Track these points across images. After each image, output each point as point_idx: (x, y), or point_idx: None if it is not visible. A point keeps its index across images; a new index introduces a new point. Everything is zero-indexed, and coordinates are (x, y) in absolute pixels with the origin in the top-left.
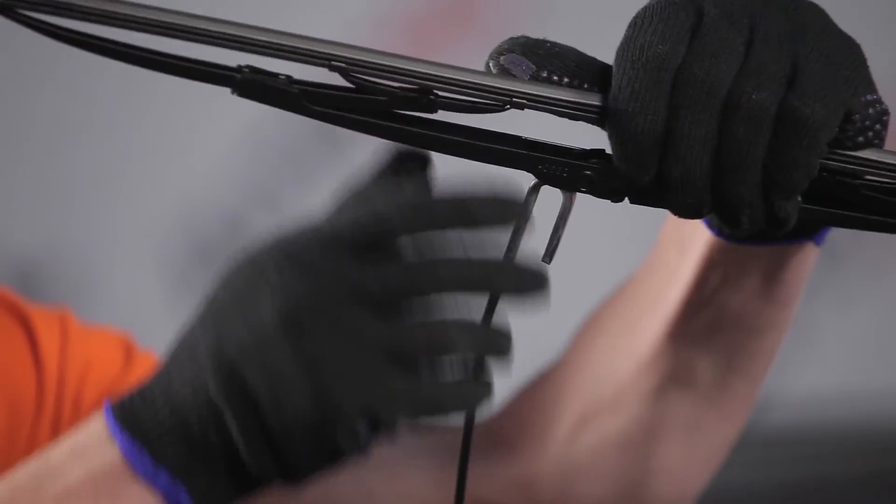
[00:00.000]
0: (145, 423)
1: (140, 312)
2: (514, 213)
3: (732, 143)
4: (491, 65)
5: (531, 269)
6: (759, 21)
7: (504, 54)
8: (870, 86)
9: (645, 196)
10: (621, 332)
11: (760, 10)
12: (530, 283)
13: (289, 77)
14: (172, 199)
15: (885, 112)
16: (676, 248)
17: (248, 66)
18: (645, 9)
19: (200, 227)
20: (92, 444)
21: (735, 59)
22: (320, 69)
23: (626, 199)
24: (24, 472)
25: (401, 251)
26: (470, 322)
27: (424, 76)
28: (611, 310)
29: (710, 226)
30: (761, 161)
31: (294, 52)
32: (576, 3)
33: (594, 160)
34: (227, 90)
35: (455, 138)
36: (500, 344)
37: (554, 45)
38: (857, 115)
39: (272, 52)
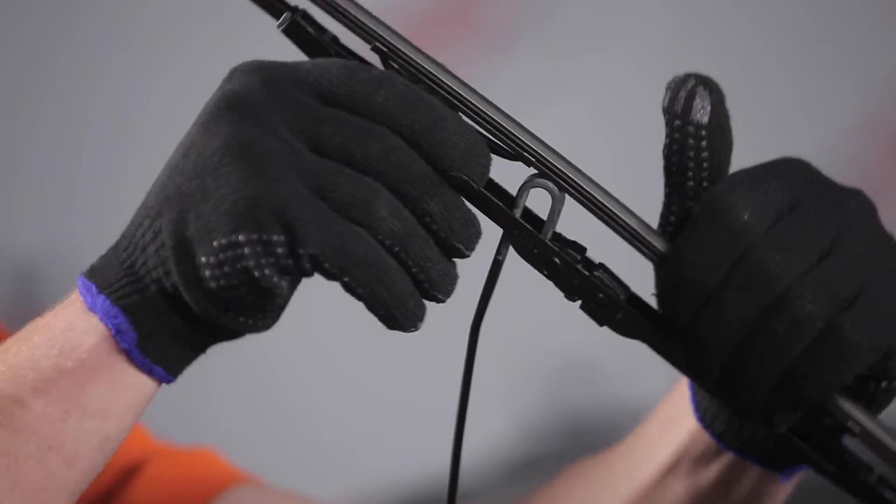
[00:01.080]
0: (105, 264)
1: None
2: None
3: (768, 336)
4: None
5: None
6: (845, 233)
7: None
8: None
9: (664, 342)
10: (591, 491)
11: (850, 222)
12: (466, 223)
13: (334, 38)
14: None
15: None
16: (661, 425)
17: (303, 10)
18: (749, 171)
19: None
20: (64, 305)
21: (807, 263)
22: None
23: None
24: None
25: (365, 118)
26: (399, 210)
27: (466, 104)
28: (593, 465)
29: (700, 415)
30: (786, 365)
31: (344, 15)
32: (576, 5)
33: (629, 301)
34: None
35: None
36: (412, 240)
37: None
38: (892, 362)
39: (326, 5)
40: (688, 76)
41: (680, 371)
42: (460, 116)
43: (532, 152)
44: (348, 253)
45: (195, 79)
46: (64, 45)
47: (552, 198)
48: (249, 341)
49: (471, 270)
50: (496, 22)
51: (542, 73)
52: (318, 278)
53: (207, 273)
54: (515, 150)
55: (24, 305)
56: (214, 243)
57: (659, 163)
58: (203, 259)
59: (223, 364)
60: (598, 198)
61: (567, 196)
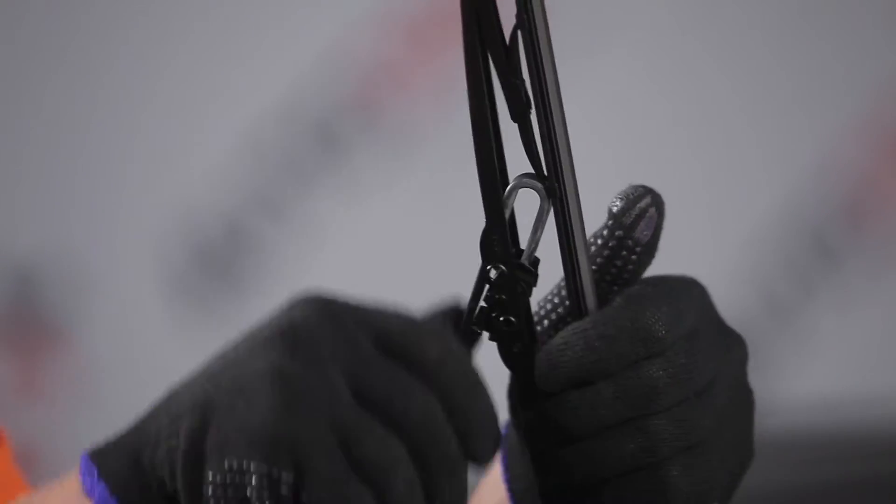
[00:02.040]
0: (104, 447)
1: (139, 316)
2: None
3: (615, 443)
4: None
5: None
6: (719, 381)
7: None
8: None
9: (527, 387)
10: None
11: (726, 371)
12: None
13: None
14: (172, 204)
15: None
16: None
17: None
18: (668, 288)
19: (200, 231)
20: (65, 481)
21: (682, 398)
22: None
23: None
24: None
25: (413, 374)
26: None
27: None
28: None
29: (511, 493)
30: (608, 475)
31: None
32: (574, 7)
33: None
34: (224, 98)
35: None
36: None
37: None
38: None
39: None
40: (645, 192)
41: (512, 414)
42: (492, 402)
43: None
44: None
45: (195, 81)
46: (64, 46)
47: (539, 198)
48: None
49: (467, 270)
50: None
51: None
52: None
53: (210, 490)
54: (549, 168)
55: (22, 308)
56: (226, 463)
57: (656, 162)
58: (210, 475)
59: None
60: (574, 230)
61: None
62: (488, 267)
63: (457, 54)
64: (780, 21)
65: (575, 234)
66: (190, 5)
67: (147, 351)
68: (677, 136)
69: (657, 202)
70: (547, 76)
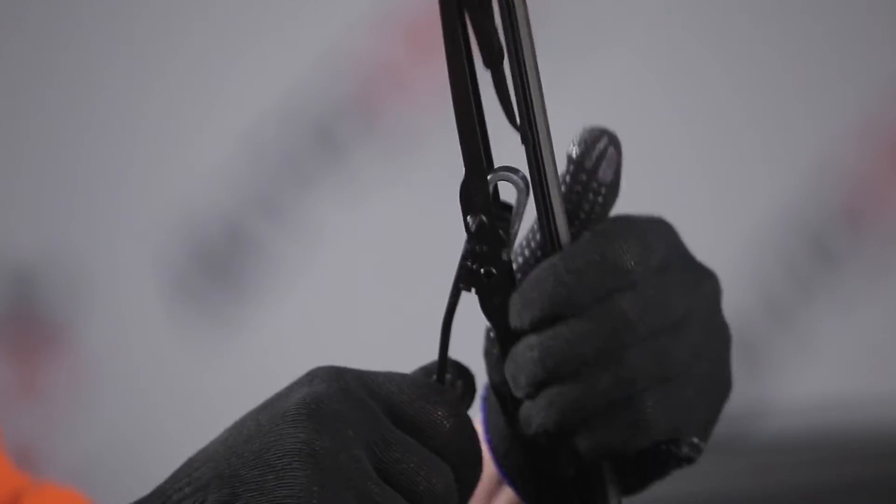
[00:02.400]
0: None
1: (138, 317)
2: None
3: (590, 380)
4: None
5: None
6: (691, 315)
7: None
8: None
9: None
10: None
11: (699, 305)
12: None
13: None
14: (171, 205)
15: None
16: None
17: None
18: (637, 221)
19: (199, 232)
20: None
21: (656, 329)
22: None
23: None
24: None
25: (424, 441)
26: None
27: None
28: None
29: (489, 437)
30: (585, 414)
31: None
32: (572, 7)
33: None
34: (224, 99)
35: None
36: None
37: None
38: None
39: None
40: (600, 134)
41: (491, 371)
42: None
43: (535, 132)
44: None
45: (195, 82)
46: (63, 47)
47: (517, 191)
48: (251, 346)
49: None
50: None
51: (541, 75)
52: (324, 289)
53: None
54: (522, 114)
55: (22, 309)
56: None
57: (654, 162)
58: None
59: (221, 369)
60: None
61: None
62: (468, 217)
63: None
64: (779, 23)
65: (548, 179)
66: (189, 7)
67: (146, 352)
68: (676, 137)
69: (614, 142)
70: (518, 20)
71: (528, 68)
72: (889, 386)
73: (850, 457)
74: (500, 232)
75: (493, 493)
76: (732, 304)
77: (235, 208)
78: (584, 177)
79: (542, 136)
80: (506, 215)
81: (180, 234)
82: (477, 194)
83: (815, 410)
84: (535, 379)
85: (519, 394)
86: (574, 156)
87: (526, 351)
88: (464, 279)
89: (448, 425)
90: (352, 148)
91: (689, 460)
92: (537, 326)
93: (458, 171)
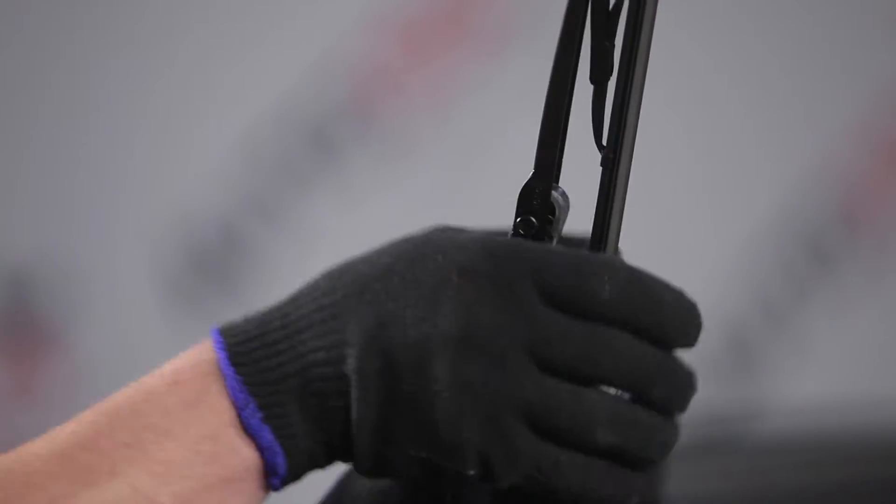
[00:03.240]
0: (264, 374)
1: (135, 319)
2: (695, 328)
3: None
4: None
5: (689, 375)
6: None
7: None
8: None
9: None
10: None
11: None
12: (686, 388)
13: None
14: (167, 207)
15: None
16: None
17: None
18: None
19: (196, 235)
20: (195, 376)
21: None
22: None
23: None
24: (122, 396)
25: (591, 321)
26: (624, 423)
27: None
28: None
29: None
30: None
31: None
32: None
33: None
34: (220, 101)
35: None
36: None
37: None
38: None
39: None
40: None
41: None
42: (675, 290)
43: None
44: (550, 487)
45: (190, 85)
46: (59, 49)
47: (556, 207)
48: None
49: None
50: (490, 26)
51: (536, 77)
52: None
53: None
54: (611, 138)
55: (18, 311)
56: (410, 453)
57: (651, 164)
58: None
59: None
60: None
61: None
62: (519, 219)
63: (452, 58)
64: (776, 26)
65: (614, 207)
66: (186, 10)
67: (143, 354)
68: (673, 139)
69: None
70: (640, 48)
71: (633, 93)
72: (885, 388)
73: (846, 459)
74: (546, 238)
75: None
76: (729, 306)
77: (232, 211)
78: None
79: (623, 163)
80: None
81: (177, 236)
82: (537, 199)
83: (810, 412)
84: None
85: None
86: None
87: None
88: None
89: (605, 293)
90: (348, 150)
91: None
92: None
93: (453, 172)
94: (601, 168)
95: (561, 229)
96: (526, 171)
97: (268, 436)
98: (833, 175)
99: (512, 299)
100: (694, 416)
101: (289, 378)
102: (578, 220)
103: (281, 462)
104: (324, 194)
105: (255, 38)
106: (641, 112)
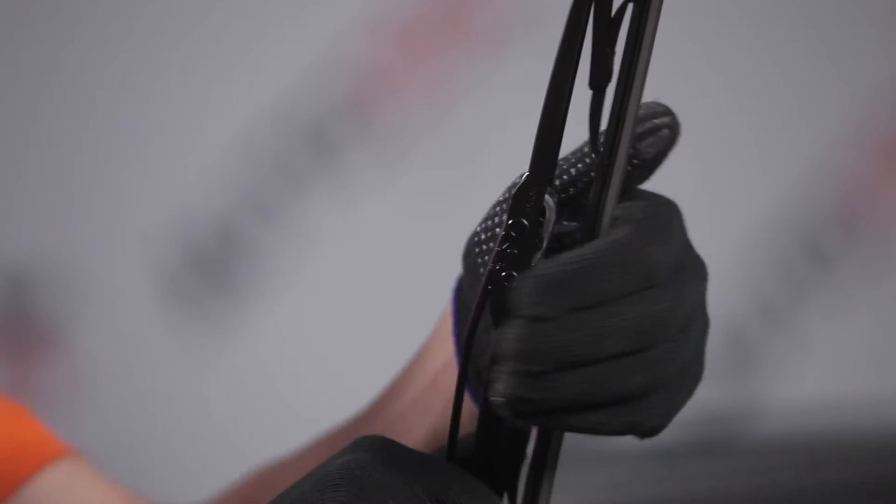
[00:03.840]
0: None
1: (133, 320)
2: None
3: (578, 356)
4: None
5: None
6: (693, 318)
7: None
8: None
9: None
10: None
11: (699, 306)
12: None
13: None
14: (165, 207)
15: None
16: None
17: None
18: (656, 216)
19: (193, 234)
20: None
21: (668, 336)
22: None
23: None
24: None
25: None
26: None
27: None
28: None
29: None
30: (575, 394)
31: None
32: (566, 9)
33: None
34: (217, 101)
35: None
36: None
37: None
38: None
39: None
40: (664, 112)
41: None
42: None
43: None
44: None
45: (188, 84)
46: (57, 47)
47: (548, 210)
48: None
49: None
50: (487, 26)
51: (533, 77)
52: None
53: None
54: (606, 144)
55: (15, 312)
56: None
57: (659, 169)
58: None
59: (222, 367)
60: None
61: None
62: (511, 221)
63: (449, 58)
64: (772, 25)
65: (605, 213)
66: (183, 8)
67: (141, 354)
68: None
69: (674, 126)
70: (641, 56)
71: (631, 101)
72: (884, 388)
73: (844, 459)
74: (537, 241)
75: (440, 377)
76: (727, 306)
77: (229, 211)
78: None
79: (617, 170)
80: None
81: (174, 236)
82: (530, 202)
83: (809, 412)
84: (567, 361)
85: (528, 368)
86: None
87: (556, 331)
88: (491, 281)
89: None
90: (345, 150)
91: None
92: (557, 318)
93: (450, 172)
94: (594, 174)
95: (550, 231)
96: (522, 171)
97: None
98: (830, 174)
99: (405, 484)
100: (691, 416)
101: None
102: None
103: None
104: (321, 194)
105: (253, 37)
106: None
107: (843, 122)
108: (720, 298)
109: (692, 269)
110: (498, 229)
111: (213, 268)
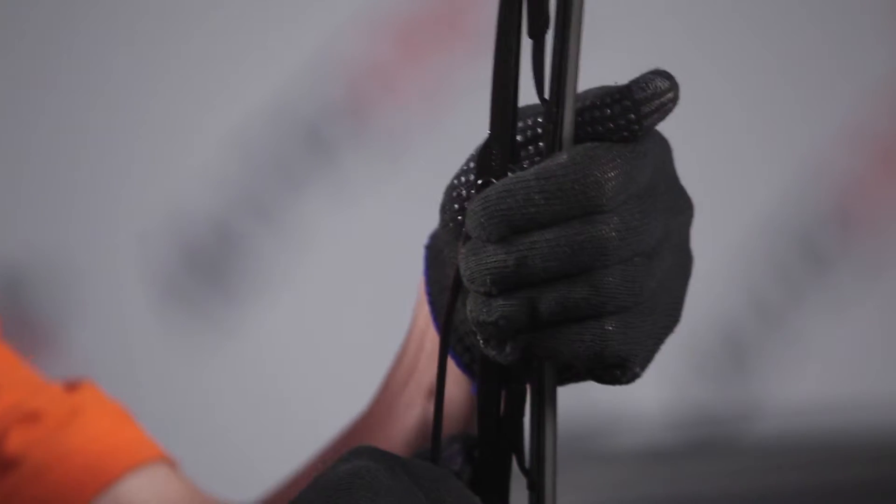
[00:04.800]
0: None
1: (128, 318)
2: None
3: (560, 296)
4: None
5: None
6: (665, 243)
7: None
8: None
9: None
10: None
11: (674, 233)
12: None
13: None
14: (161, 206)
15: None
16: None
17: None
18: (611, 152)
19: (189, 233)
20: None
21: (629, 255)
22: None
23: None
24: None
25: None
26: None
27: None
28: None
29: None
30: (544, 321)
31: None
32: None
33: None
34: (213, 100)
35: None
36: None
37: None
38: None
39: None
40: (669, 82)
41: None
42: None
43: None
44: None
45: (184, 83)
46: (52, 46)
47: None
48: (245, 344)
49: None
50: (484, 27)
51: (530, 77)
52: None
53: None
54: (552, 91)
55: (11, 309)
56: None
57: None
58: None
59: (219, 365)
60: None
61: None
62: (479, 181)
63: (446, 57)
64: (769, 26)
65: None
66: (180, 8)
67: (136, 353)
68: (666, 138)
69: (677, 95)
70: None
71: (571, 42)
72: (880, 388)
73: (842, 459)
74: None
75: (425, 339)
76: (724, 306)
77: (225, 210)
78: (628, 103)
79: (567, 116)
80: None
81: (170, 235)
82: (495, 159)
83: (806, 413)
84: (507, 282)
85: (477, 290)
86: (633, 83)
87: (498, 252)
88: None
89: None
90: (342, 150)
91: (624, 384)
92: (500, 240)
93: (448, 172)
94: (544, 122)
95: None
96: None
97: None
98: (827, 175)
99: (409, 493)
100: (688, 417)
101: None
102: None
103: None
104: (317, 193)
105: (249, 36)
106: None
107: (841, 123)
108: (717, 299)
109: (666, 199)
110: (464, 190)
111: (209, 267)
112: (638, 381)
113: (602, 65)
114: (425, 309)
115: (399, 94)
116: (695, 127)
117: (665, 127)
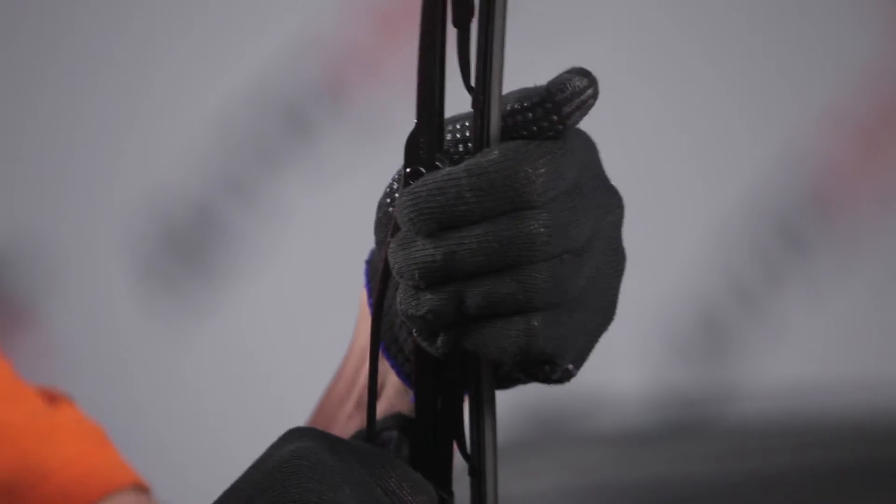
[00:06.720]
0: None
1: (108, 299)
2: None
3: (492, 287)
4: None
5: None
6: (595, 241)
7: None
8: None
9: None
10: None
11: (603, 233)
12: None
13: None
14: (140, 187)
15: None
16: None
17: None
18: (541, 149)
19: (168, 214)
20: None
21: (558, 252)
22: None
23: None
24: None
25: None
26: None
27: None
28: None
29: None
30: (470, 315)
31: None
32: (551, 1)
33: None
34: (193, 81)
35: None
36: None
37: None
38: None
39: None
40: (587, 80)
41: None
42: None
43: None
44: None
45: (163, 64)
46: (27, 30)
47: (443, 160)
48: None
49: None
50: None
51: (514, 60)
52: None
53: None
54: (478, 80)
55: None
56: None
57: (623, 147)
58: None
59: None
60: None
61: None
62: (408, 169)
63: None
64: (749, 10)
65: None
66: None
67: (116, 334)
68: (646, 123)
69: (596, 91)
70: None
71: (495, 31)
72: (858, 371)
73: (820, 442)
74: None
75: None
76: (702, 290)
77: (205, 191)
78: (549, 105)
79: (493, 104)
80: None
81: (149, 216)
82: (423, 148)
83: (783, 396)
84: (434, 277)
85: (406, 283)
86: (551, 85)
87: (427, 247)
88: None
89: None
90: (322, 131)
91: (558, 382)
92: (430, 236)
93: None
94: (472, 110)
95: None
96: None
97: None
98: (806, 159)
99: (351, 469)
100: (667, 400)
101: None
102: None
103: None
104: (298, 174)
105: (230, 17)
106: (614, 97)
107: (821, 107)
108: (696, 282)
109: (595, 197)
110: (396, 184)
111: (189, 248)
112: (617, 364)
113: (578, 50)
114: (367, 323)
115: (379, 75)
116: (672, 110)
117: (643, 112)
